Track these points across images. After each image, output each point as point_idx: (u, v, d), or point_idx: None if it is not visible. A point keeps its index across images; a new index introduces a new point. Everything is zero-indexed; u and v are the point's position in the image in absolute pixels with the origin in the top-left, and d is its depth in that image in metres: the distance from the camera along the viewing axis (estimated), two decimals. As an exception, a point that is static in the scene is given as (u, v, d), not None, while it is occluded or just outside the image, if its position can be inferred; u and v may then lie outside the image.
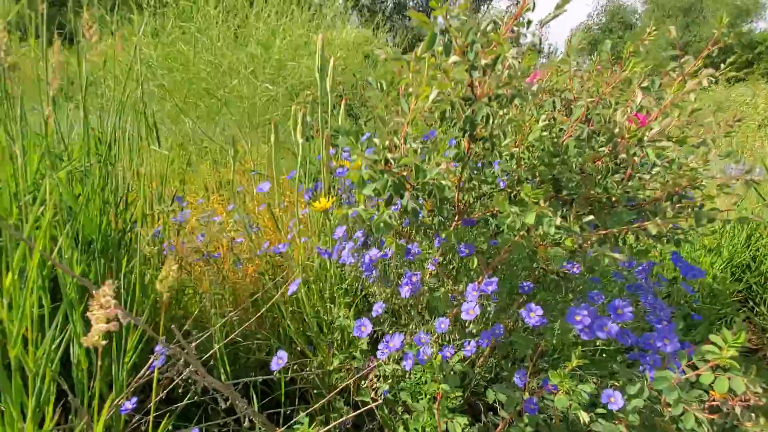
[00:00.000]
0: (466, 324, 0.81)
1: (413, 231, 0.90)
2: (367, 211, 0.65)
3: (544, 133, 0.83)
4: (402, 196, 0.66)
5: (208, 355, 1.13)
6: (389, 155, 0.62)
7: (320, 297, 1.21)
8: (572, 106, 0.83)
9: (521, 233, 0.67)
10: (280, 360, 0.76)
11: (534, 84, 0.63)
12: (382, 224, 0.68)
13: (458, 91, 0.60)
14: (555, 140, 0.85)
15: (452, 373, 0.77)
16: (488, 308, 0.78)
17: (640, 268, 1.19)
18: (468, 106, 0.60)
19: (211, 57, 1.66)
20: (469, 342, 0.78)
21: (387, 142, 0.65)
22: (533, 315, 0.73)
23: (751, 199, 2.65)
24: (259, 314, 1.27)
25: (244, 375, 1.32)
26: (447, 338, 0.93)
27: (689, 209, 0.79)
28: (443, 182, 0.61)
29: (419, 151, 0.68)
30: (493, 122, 0.59)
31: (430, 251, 0.91)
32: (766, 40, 19.36)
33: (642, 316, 1.13)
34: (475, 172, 0.73)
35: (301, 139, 0.92)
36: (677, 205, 0.73)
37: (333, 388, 1.23)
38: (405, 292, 0.77)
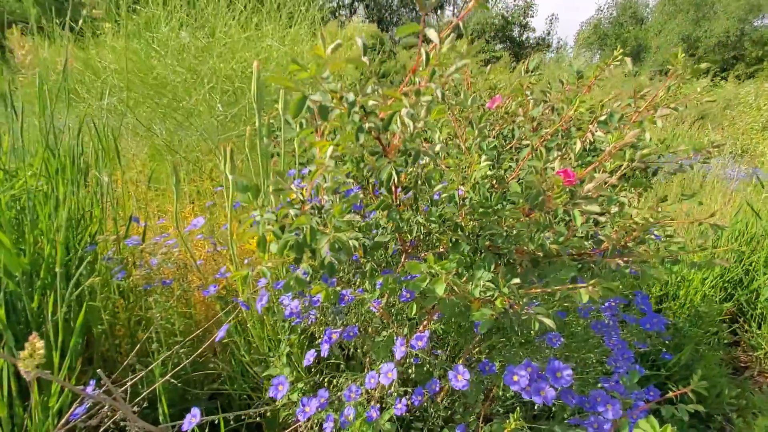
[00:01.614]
0: (387, 387, 0.76)
1: (351, 274, 0.85)
2: (272, 269, 0.60)
3: (489, 173, 0.77)
4: (313, 253, 0.61)
5: (152, 388, 1.08)
6: (292, 212, 0.56)
7: (272, 329, 1.16)
8: (520, 145, 0.77)
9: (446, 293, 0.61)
10: (193, 418, 0.71)
11: (438, 144, 0.57)
12: (292, 282, 0.62)
13: (367, 143, 0.54)
14: (502, 179, 0.79)
15: (381, 433, 0.72)
16: (410, 368, 0.72)
17: (606, 304, 1.13)
18: (377, 159, 0.54)
19: (169, 71, 1.60)
20: (400, 399, 0.72)
21: (295, 196, 0.59)
22: (460, 378, 0.67)
23: (747, 210, 2.56)
24: (210, 341, 1.23)
25: (197, 407, 1.27)
26: (390, 386, 0.88)
27: (653, 252, 0.73)
28: (350, 242, 0.55)
29: (333, 202, 0.62)
30: (397, 179, 0.53)
31: (371, 294, 0.86)
32: (779, 36, 18.90)
33: (605, 357, 1.07)
34: (402, 222, 0.68)
35: (231, 175, 0.86)
36: (624, 259, 0.67)
37: (283, 425, 1.19)
38: (324, 350, 0.72)
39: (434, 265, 0.52)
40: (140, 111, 2.02)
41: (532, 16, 27.81)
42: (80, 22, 1.15)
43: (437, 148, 0.55)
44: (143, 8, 1.75)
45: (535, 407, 1.06)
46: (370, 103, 0.52)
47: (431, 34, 0.44)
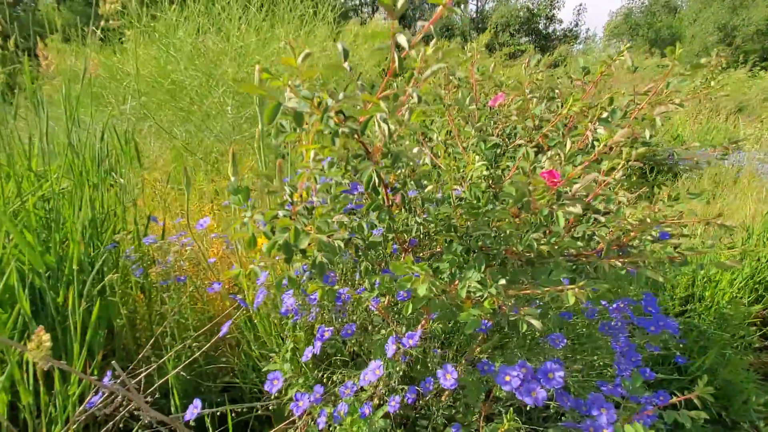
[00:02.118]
0: (377, 383, 0.77)
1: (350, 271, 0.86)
2: (265, 268, 0.62)
3: (485, 173, 0.77)
4: (303, 253, 0.62)
5: (163, 380, 1.13)
6: (281, 213, 0.58)
7: (278, 325, 1.19)
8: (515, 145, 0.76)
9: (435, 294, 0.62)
10: (195, 409, 0.74)
11: (417, 147, 0.57)
12: (284, 281, 0.64)
13: (353, 146, 0.55)
14: (499, 179, 0.79)
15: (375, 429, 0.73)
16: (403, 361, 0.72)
17: (615, 306, 1.10)
18: (360, 162, 0.55)
19: (184, 75, 1.67)
20: (394, 397, 0.73)
21: (287, 196, 0.61)
22: (449, 377, 0.68)
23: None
24: (219, 337, 1.27)
25: (209, 399, 1.32)
26: (379, 382, 0.89)
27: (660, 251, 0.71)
28: (336, 242, 0.57)
29: (319, 204, 0.64)
30: (378, 180, 0.54)
31: (369, 293, 0.87)
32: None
33: (608, 360, 1.05)
34: (394, 222, 0.68)
35: (233, 176, 0.89)
36: (621, 260, 0.66)
37: (289, 417, 1.22)
38: (317, 348, 0.73)
39: (413, 266, 0.53)
40: (161, 114, 2.10)
41: (559, 8, 27.01)
42: (98, 31, 1.21)
43: (415, 150, 0.55)
44: (162, 15, 1.81)
45: (543, 409, 1.05)
46: (357, 107, 0.53)
47: (401, 40, 0.45)
